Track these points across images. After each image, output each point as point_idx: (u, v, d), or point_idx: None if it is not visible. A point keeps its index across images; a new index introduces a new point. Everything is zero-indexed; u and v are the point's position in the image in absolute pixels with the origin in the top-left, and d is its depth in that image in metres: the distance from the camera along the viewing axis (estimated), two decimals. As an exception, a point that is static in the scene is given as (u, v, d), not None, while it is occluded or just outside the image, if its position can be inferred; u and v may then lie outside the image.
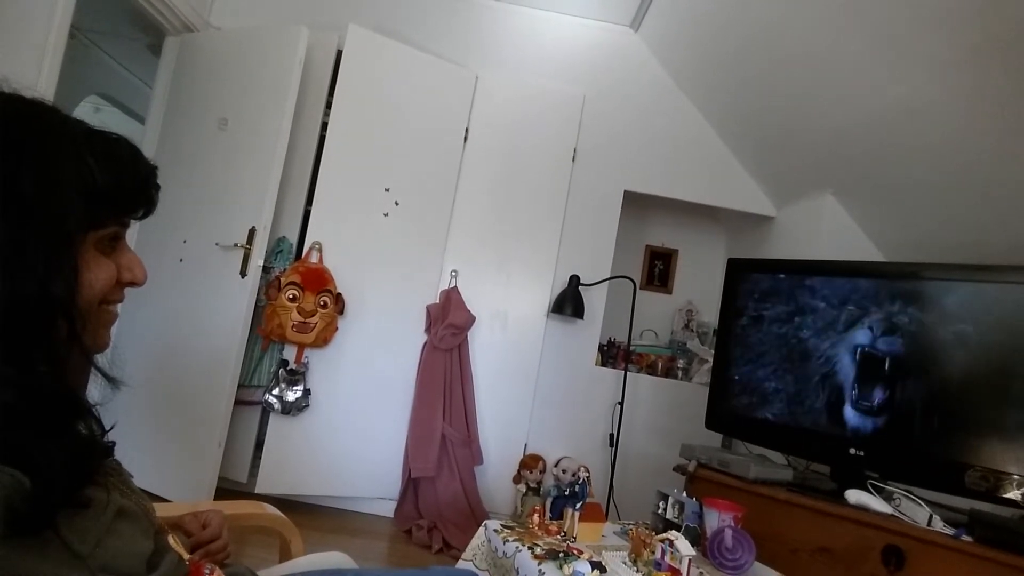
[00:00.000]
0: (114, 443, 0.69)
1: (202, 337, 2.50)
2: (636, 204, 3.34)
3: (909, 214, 2.41)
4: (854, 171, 2.51)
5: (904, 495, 1.73)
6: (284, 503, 2.59)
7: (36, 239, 0.54)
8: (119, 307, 0.72)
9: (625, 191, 3.14)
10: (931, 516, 1.65)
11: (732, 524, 1.48)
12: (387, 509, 2.83)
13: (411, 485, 2.79)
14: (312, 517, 2.64)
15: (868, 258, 2.59)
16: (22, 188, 0.54)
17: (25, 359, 0.52)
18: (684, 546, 1.24)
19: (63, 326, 0.55)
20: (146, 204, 0.67)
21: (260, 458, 2.61)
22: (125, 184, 0.63)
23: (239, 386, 2.51)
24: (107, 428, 0.68)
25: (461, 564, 1.48)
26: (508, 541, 1.38)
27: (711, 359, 2.62)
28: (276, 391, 2.59)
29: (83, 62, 4.00)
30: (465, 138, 2.98)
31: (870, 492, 1.78)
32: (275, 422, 2.62)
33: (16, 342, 0.52)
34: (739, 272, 2.34)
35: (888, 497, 1.76)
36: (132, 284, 0.67)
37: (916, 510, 1.68)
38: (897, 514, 1.71)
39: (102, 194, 0.60)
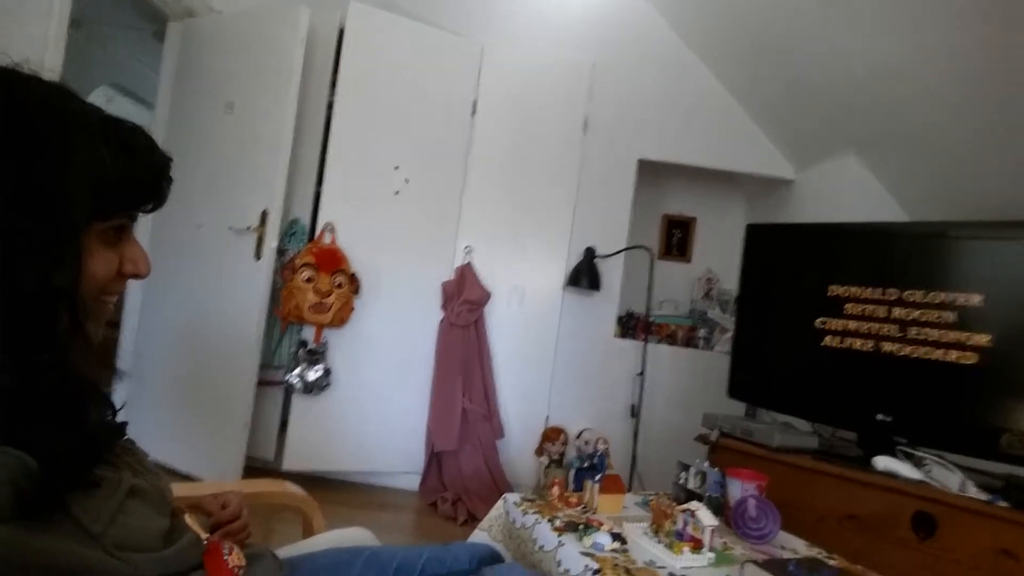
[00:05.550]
0: (126, 423, 0.68)
1: (222, 320, 2.53)
2: (651, 172, 3.26)
3: (936, 172, 2.31)
4: (876, 129, 2.41)
5: (935, 461, 1.69)
6: (312, 480, 2.65)
7: (43, 228, 0.53)
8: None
9: (639, 159, 3.07)
10: (963, 481, 1.60)
11: (755, 494, 1.45)
12: (412, 483, 2.86)
13: (434, 459, 2.82)
14: (339, 493, 2.69)
15: (894, 219, 2.50)
16: (33, 175, 0.53)
17: (27, 347, 0.52)
18: (706, 516, 1.22)
19: (65, 316, 0.55)
20: (156, 198, 0.66)
21: (285, 436, 2.66)
22: (137, 177, 0.62)
23: (261, 367, 2.54)
24: (117, 409, 0.68)
25: (478, 533, 1.49)
26: (527, 513, 1.38)
27: (732, 327, 2.58)
28: (297, 371, 2.61)
29: (92, 53, 4.00)
30: (473, 111, 2.92)
31: (899, 458, 1.74)
32: (298, 401, 2.65)
33: (17, 330, 0.51)
34: (759, 238, 2.28)
35: (918, 463, 1.72)
36: (135, 276, 0.65)
37: (948, 476, 1.64)
38: (928, 480, 1.67)
39: (113, 186, 0.58)
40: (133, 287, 2.76)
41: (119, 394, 0.66)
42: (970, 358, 1.71)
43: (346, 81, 2.69)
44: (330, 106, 2.75)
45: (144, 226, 2.73)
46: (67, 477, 0.52)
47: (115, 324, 2.76)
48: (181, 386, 2.59)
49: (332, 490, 2.68)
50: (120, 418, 0.68)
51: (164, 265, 2.64)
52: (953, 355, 1.74)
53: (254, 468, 2.59)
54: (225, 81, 2.64)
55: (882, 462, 1.75)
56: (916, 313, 1.81)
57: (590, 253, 2.94)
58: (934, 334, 1.78)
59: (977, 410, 1.71)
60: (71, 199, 0.55)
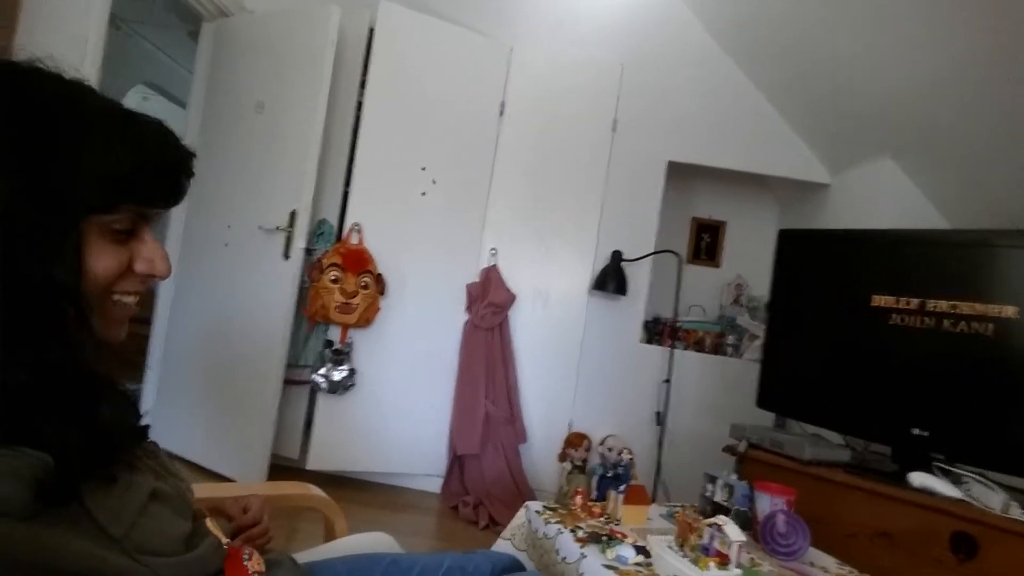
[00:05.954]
0: (148, 426, 0.68)
1: (250, 319, 2.56)
2: (681, 175, 3.21)
3: (978, 177, 2.22)
4: (916, 132, 2.33)
5: (975, 478, 1.62)
6: (335, 479, 2.67)
7: (43, 219, 0.52)
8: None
9: (669, 161, 3.02)
10: (1007, 501, 1.53)
11: (785, 508, 1.41)
12: (434, 485, 2.86)
13: (456, 462, 2.82)
14: (362, 493, 2.70)
15: (933, 226, 2.41)
16: (38, 165, 0.52)
17: (36, 342, 0.51)
18: (733, 531, 1.18)
19: (71, 312, 0.54)
20: (168, 194, 0.63)
21: (310, 436, 2.68)
22: (147, 171, 0.59)
23: (287, 366, 2.57)
24: (141, 413, 0.67)
25: (501, 542, 1.47)
26: (549, 523, 1.36)
27: (762, 334, 2.52)
28: (323, 371, 2.63)
29: (129, 52, 4.10)
30: (501, 112, 2.91)
31: (936, 475, 1.68)
32: (323, 401, 2.67)
33: (25, 325, 0.51)
34: (792, 243, 2.22)
35: (956, 480, 1.65)
36: (151, 276, 0.63)
37: (989, 495, 1.57)
38: (967, 499, 1.60)
39: (119, 179, 0.56)
40: (164, 285, 2.81)
41: (147, 395, 0.66)
42: (1013, 370, 1.64)
43: (375, 81, 2.70)
44: (359, 106, 2.77)
45: (175, 225, 2.78)
46: (80, 470, 0.52)
47: (145, 321, 2.82)
48: (209, 384, 2.63)
49: (355, 490, 2.69)
50: (143, 421, 0.68)
51: (194, 264, 2.69)
52: (995, 366, 1.67)
53: (278, 467, 2.61)
54: (256, 81, 2.67)
55: (918, 478, 1.69)
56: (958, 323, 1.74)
57: (617, 256, 2.91)
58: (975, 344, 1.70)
59: (1020, 425, 1.64)
60: (69, 191, 0.54)
